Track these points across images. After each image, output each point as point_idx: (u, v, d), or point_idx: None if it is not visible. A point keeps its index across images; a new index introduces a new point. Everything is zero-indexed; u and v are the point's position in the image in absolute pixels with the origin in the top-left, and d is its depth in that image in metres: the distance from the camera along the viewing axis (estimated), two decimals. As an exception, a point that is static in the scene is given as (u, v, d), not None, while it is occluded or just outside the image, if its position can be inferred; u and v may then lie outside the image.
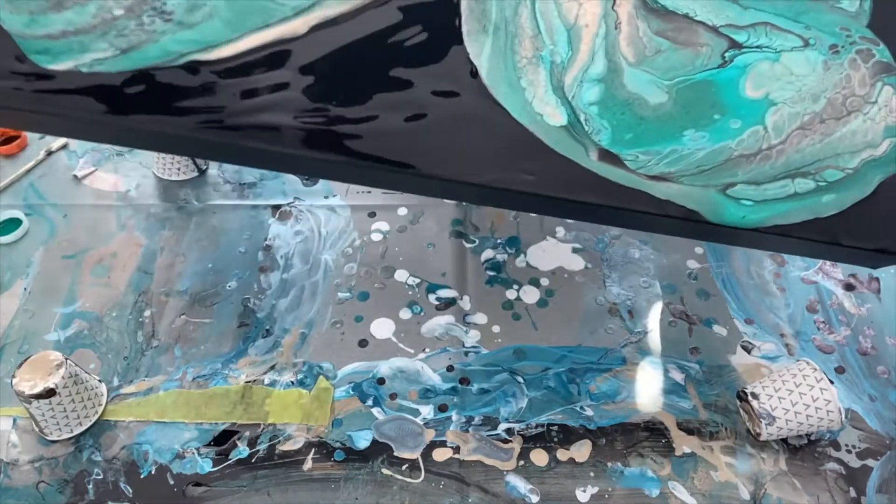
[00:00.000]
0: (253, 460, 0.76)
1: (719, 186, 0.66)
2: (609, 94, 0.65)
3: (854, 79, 0.66)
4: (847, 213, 0.66)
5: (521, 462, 0.75)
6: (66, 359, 0.75)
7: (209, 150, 0.69)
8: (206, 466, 0.75)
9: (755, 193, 0.66)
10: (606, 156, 0.65)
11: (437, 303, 0.90)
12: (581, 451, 0.76)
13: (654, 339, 0.86)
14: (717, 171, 0.66)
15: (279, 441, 0.77)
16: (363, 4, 0.62)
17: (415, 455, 0.76)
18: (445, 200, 1.02)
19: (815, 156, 0.67)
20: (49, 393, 0.72)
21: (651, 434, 0.77)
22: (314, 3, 0.61)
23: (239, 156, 0.70)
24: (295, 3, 0.60)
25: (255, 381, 0.82)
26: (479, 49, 0.63)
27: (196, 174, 1.06)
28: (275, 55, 0.61)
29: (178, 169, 1.05)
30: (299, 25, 0.61)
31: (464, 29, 0.63)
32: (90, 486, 0.74)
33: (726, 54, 0.65)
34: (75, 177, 1.07)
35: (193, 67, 0.61)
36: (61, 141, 1.12)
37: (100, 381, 0.81)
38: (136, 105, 0.61)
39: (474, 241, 0.97)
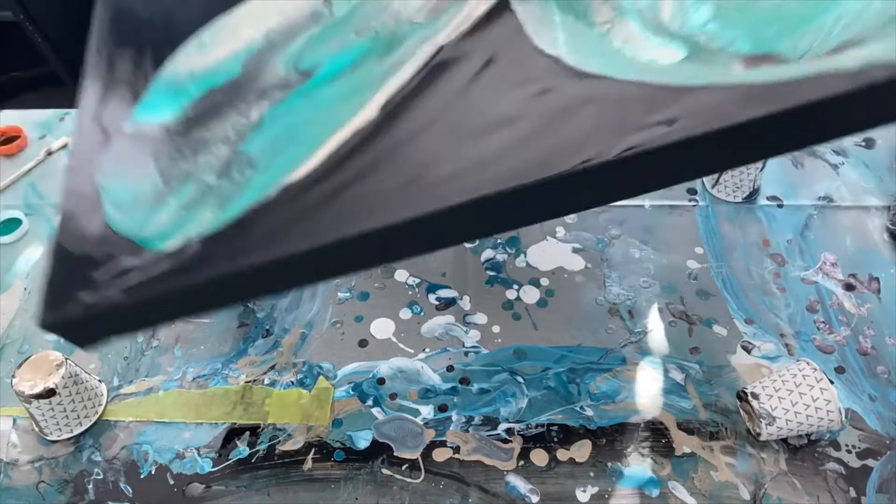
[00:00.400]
0: (253, 460, 0.76)
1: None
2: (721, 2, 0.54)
3: None
4: None
5: (521, 462, 0.75)
6: (66, 359, 0.75)
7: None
8: (206, 466, 0.75)
9: None
10: (754, 61, 0.52)
11: (437, 303, 0.90)
12: (581, 451, 0.76)
13: (657, 338, 0.86)
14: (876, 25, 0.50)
15: (279, 441, 0.77)
16: (424, 65, 0.57)
17: (415, 455, 0.76)
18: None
19: None
20: (49, 393, 0.72)
21: (651, 434, 0.77)
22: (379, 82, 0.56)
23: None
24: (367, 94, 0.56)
25: (255, 381, 0.82)
26: (551, 40, 0.56)
27: (196, 174, 1.06)
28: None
29: (178, 169, 1.05)
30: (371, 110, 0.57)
31: (528, 32, 0.57)
32: (90, 486, 0.74)
33: None
34: (75, 177, 1.07)
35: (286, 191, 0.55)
36: (61, 141, 1.12)
37: (100, 381, 0.81)
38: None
39: (474, 241, 0.97)
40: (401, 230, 0.53)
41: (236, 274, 0.54)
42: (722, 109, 0.51)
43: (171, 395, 0.81)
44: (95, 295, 0.53)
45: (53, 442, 0.77)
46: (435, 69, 0.58)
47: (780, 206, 1.01)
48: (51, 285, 0.54)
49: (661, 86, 0.53)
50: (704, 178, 1.04)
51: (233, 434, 0.78)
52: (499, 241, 0.97)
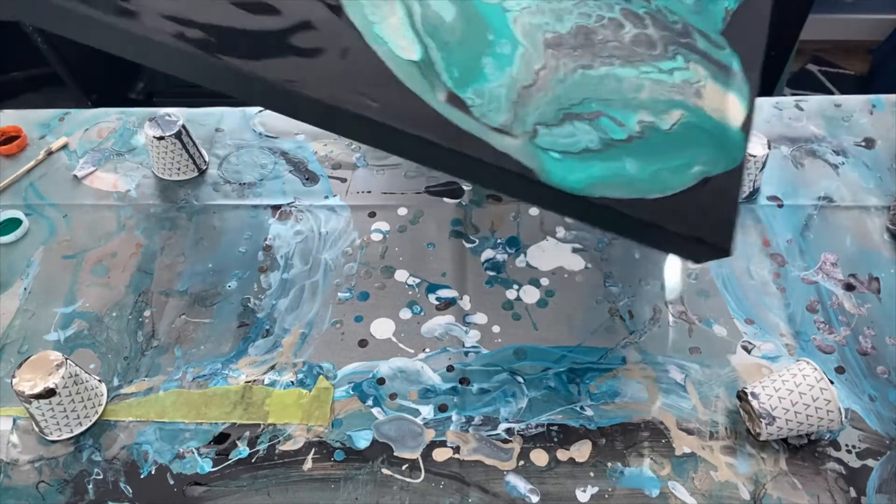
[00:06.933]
0: (253, 460, 0.76)
1: (529, 134, 0.65)
2: (436, 21, 0.66)
3: (631, 32, 0.69)
4: (671, 200, 0.66)
5: (521, 462, 0.75)
6: (66, 359, 0.75)
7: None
8: (206, 466, 0.75)
9: (552, 142, 0.65)
10: (453, 99, 0.64)
11: (437, 303, 0.90)
12: (581, 451, 0.76)
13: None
14: (518, 112, 0.66)
15: (279, 441, 0.77)
16: None
17: (415, 455, 0.76)
18: (445, 200, 1.02)
19: (579, 91, 0.67)
20: (49, 393, 0.72)
21: (651, 434, 0.77)
22: None
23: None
24: None
25: (255, 381, 0.82)
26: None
27: (196, 174, 1.06)
28: None
29: (178, 169, 1.05)
30: None
31: None
32: (90, 486, 0.74)
33: None
34: (75, 177, 1.07)
35: None
36: (61, 141, 1.12)
37: (100, 381, 0.81)
38: None
39: (474, 241, 0.97)
40: None
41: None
42: (413, 119, 0.63)
43: (171, 395, 0.81)
44: None
45: (53, 442, 0.77)
46: None
47: (780, 206, 1.01)
48: None
49: (387, 70, 0.64)
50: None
51: (229, 435, 0.78)
52: (499, 241, 0.97)
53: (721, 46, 0.73)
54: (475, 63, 0.66)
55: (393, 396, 0.81)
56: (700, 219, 0.66)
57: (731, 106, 0.70)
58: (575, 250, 0.96)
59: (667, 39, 0.72)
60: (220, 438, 0.77)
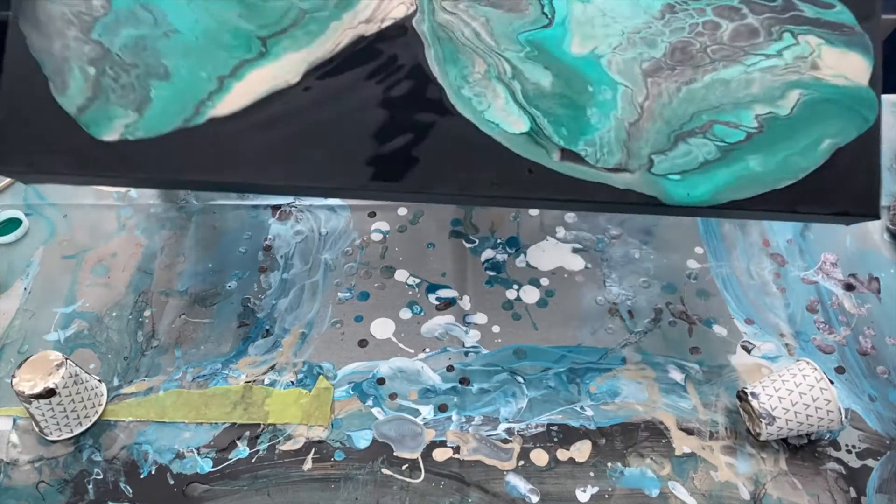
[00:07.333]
0: (253, 460, 0.76)
1: (645, 165, 0.68)
2: (536, 91, 0.69)
3: (729, 29, 0.69)
4: (803, 182, 0.67)
5: (521, 462, 0.75)
6: (66, 359, 0.75)
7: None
8: (206, 466, 0.75)
9: (670, 166, 0.68)
10: (567, 154, 0.69)
11: (437, 303, 0.90)
12: (581, 451, 0.76)
13: None
14: (631, 149, 0.69)
15: (279, 441, 0.77)
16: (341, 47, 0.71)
17: (415, 455, 0.76)
18: (445, 200, 1.02)
19: (686, 108, 0.68)
20: (49, 393, 0.72)
21: (651, 434, 0.77)
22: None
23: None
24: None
25: (255, 381, 0.82)
26: (443, 74, 0.70)
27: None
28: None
29: (178, 169, 1.05)
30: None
31: (428, 56, 0.70)
32: (90, 486, 0.74)
33: (545, 9, 0.70)
34: (75, 177, 1.07)
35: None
36: (61, 141, 1.12)
37: (100, 381, 0.81)
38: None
39: (474, 241, 0.97)
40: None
41: (156, 181, 0.74)
42: (534, 184, 0.69)
43: (171, 395, 0.81)
44: (41, 163, 0.70)
45: (53, 442, 0.77)
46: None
47: (780, 206, 1.01)
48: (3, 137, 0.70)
49: (504, 147, 0.69)
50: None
51: (232, 434, 0.78)
52: (499, 241, 0.97)
53: (830, 5, 0.69)
54: (581, 117, 0.69)
55: (393, 396, 0.81)
56: (838, 193, 0.65)
57: (853, 65, 0.67)
58: (575, 250, 0.96)
59: (769, 22, 0.69)
60: (220, 438, 0.77)
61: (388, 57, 0.70)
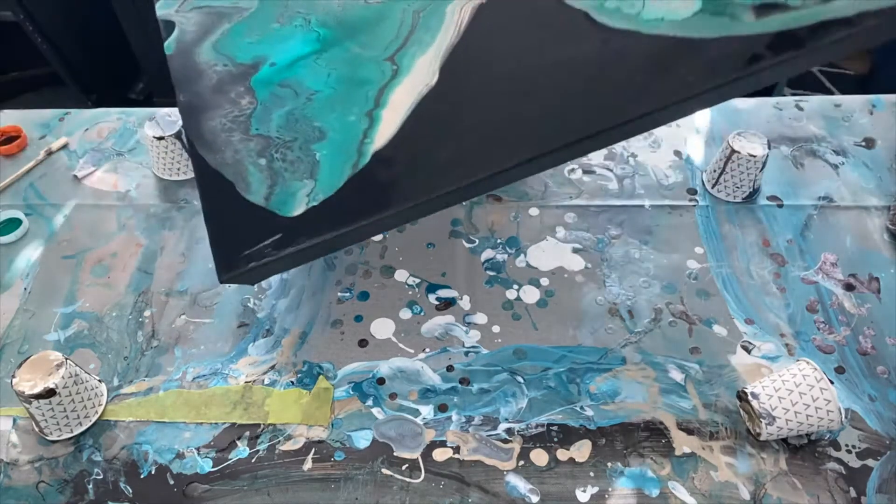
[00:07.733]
0: (253, 460, 0.76)
1: None
2: None
3: None
4: None
5: (521, 462, 0.75)
6: (66, 359, 0.75)
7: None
8: (206, 466, 0.75)
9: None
10: (763, 8, 0.59)
11: (437, 303, 0.90)
12: (581, 451, 0.76)
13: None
14: None
15: (279, 441, 0.77)
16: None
17: (415, 455, 0.76)
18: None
19: None
20: (49, 393, 0.72)
21: (651, 434, 0.77)
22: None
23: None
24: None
25: (255, 381, 0.82)
26: None
27: (196, 174, 1.06)
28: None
29: (178, 169, 1.05)
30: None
31: None
32: (90, 486, 0.74)
33: None
34: (75, 177, 1.07)
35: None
36: (61, 141, 1.12)
37: (100, 381, 0.81)
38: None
39: (474, 241, 0.97)
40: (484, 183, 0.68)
41: (349, 231, 0.69)
42: (739, 60, 0.58)
43: (171, 395, 0.81)
44: (255, 256, 0.69)
45: (53, 442, 0.77)
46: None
47: (780, 206, 1.01)
48: (218, 249, 0.72)
49: (681, 39, 0.60)
50: (704, 179, 1.04)
51: (232, 434, 0.78)
52: (499, 240, 0.97)
53: None
54: None
55: (393, 396, 0.81)
56: None
57: None
58: (575, 250, 0.96)
59: None
60: (220, 438, 0.77)
61: (513, 10, 0.66)
